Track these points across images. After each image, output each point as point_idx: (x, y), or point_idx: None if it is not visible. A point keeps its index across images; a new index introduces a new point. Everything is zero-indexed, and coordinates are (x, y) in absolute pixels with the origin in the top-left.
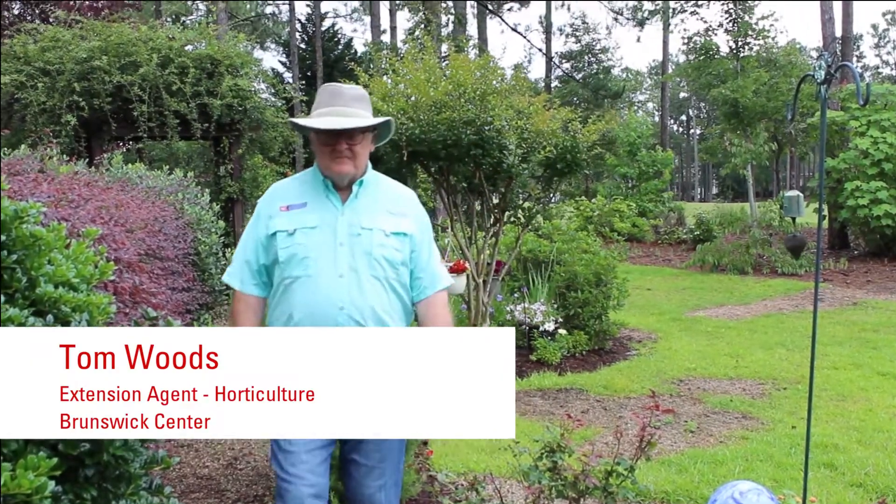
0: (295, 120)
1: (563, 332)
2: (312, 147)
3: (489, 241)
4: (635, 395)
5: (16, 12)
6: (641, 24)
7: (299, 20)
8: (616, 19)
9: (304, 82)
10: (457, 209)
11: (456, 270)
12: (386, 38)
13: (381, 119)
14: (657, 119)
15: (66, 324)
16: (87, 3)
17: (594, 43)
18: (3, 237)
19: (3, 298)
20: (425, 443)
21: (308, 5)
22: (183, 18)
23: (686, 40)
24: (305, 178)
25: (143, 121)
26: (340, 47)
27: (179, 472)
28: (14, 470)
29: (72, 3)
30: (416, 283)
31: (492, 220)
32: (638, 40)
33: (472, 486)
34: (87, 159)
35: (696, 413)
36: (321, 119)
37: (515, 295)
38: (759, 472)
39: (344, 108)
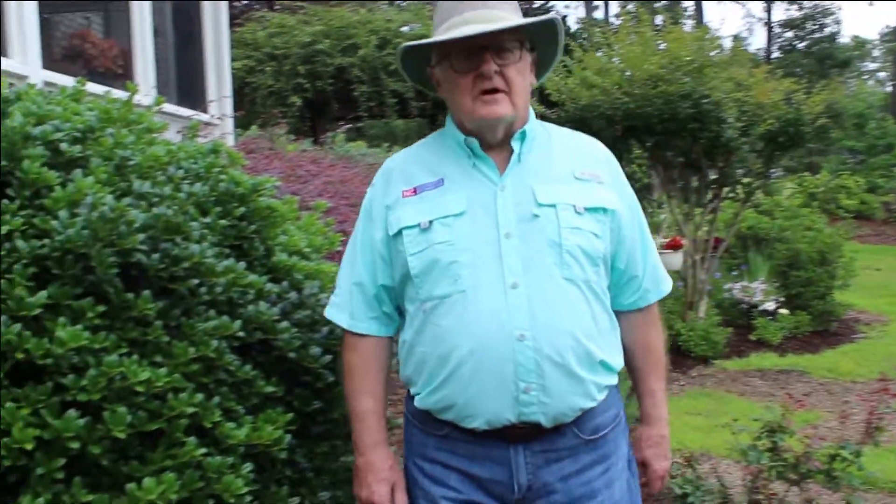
0: (410, 42)
1: (784, 311)
2: (442, 91)
3: (707, 217)
4: (862, 379)
5: (245, 1)
6: None
7: None
8: None
9: None
10: (673, 184)
11: (672, 247)
12: (599, 14)
13: (542, 18)
14: (889, 89)
15: (298, 290)
16: None
17: (818, 9)
18: (244, 209)
19: (243, 265)
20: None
21: None
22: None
23: None
24: (434, 143)
25: (363, 100)
26: None
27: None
28: (256, 423)
29: None
30: (629, 284)
31: (709, 195)
32: (871, 3)
33: (688, 463)
34: (312, 138)
35: None
36: (452, 31)
37: (734, 273)
38: None
39: (484, 11)
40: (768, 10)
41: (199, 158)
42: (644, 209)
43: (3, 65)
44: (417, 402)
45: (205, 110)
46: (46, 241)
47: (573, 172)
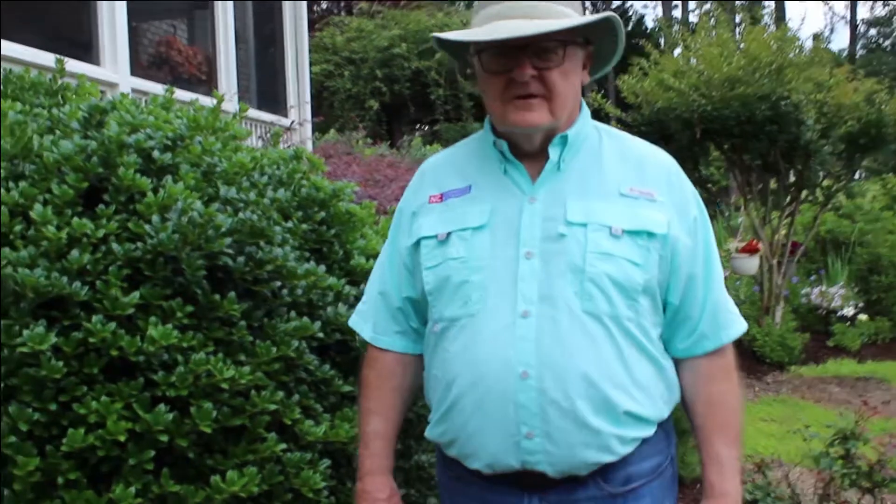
0: (442, 35)
1: (863, 317)
2: (478, 86)
3: (784, 220)
4: None
5: (324, 6)
6: None
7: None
8: None
9: None
10: (750, 187)
11: (749, 250)
12: (677, 13)
13: (591, 18)
14: None
15: None
16: None
17: None
18: (324, 214)
19: (323, 268)
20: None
21: None
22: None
23: None
24: (471, 144)
25: (440, 104)
26: (631, 24)
27: None
28: (333, 420)
29: None
30: (682, 326)
31: (788, 198)
32: None
33: (759, 469)
34: (389, 142)
35: None
36: (487, 26)
37: (812, 277)
38: None
39: (526, 1)
40: (852, 8)
41: (281, 164)
42: (721, 212)
43: (96, 73)
44: (427, 432)
45: (285, 115)
46: (139, 244)
47: (620, 188)
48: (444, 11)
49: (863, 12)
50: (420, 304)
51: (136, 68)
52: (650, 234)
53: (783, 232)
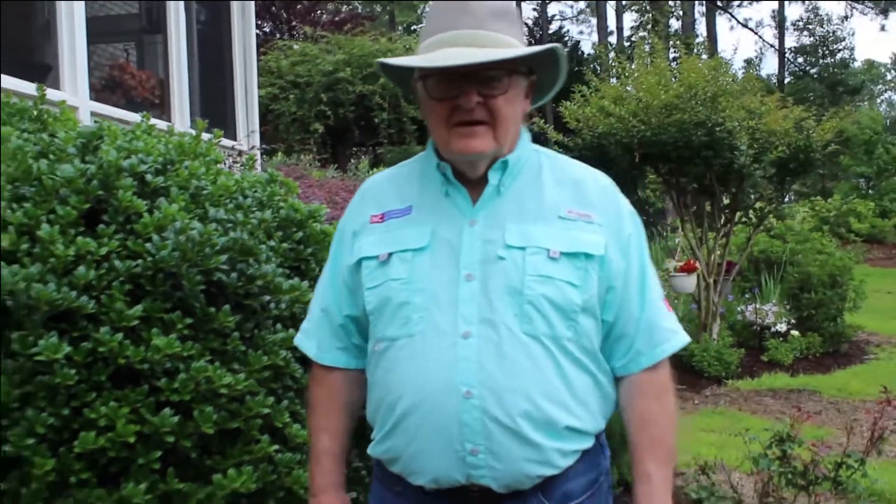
0: (388, 61)
1: (795, 333)
2: (421, 110)
3: (720, 241)
4: (872, 398)
5: (267, 30)
6: (885, 12)
7: (526, 24)
8: (855, 8)
9: None
10: (687, 209)
11: (686, 270)
12: (612, 39)
13: (537, 49)
14: None
15: None
16: (330, 18)
17: (829, 36)
18: (301, 233)
19: (306, 284)
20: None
21: (534, 8)
22: (414, 27)
23: None
24: (414, 165)
25: (384, 127)
26: (567, 49)
27: None
28: None
29: (316, 19)
30: (618, 343)
31: (722, 220)
32: (882, 29)
33: (703, 471)
34: (335, 164)
35: None
36: (433, 53)
37: (746, 295)
38: None
39: (476, 30)
40: (780, 37)
41: (259, 188)
42: (658, 233)
43: (58, 96)
44: (370, 449)
45: (235, 138)
46: (140, 261)
47: (558, 210)
48: (388, 37)
49: (790, 41)
50: (362, 322)
51: (91, 91)
52: (588, 256)
53: (718, 252)
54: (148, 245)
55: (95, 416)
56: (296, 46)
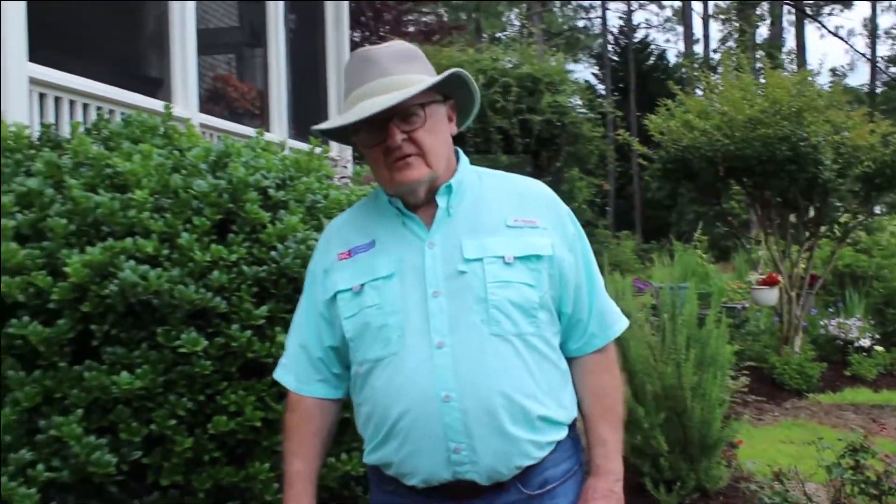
0: (318, 127)
1: (879, 348)
2: (367, 163)
3: (804, 254)
4: None
5: (357, 40)
6: None
7: (611, 32)
8: None
9: (616, 94)
10: (771, 222)
11: (768, 283)
12: (698, 47)
13: (438, 78)
14: None
15: None
16: (419, 28)
17: None
18: None
19: None
20: (733, 445)
21: (620, 17)
22: (499, 35)
23: None
24: (369, 204)
25: (470, 136)
26: (653, 58)
27: None
28: None
29: (405, 29)
30: (575, 329)
31: (807, 233)
32: None
33: (776, 478)
34: None
35: None
36: (351, 110)
37: (830, 309)
38: None
39: (382, 78)
40: (872, 46)
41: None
42: (742, 245)
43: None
44: (364, 458)
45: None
46: (265, 267)
47: (505, 220)
48: (476, 48)
49: (882, 50)
50: (341, 351)
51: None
52: (538, 257)
53: (802, 265)
54: (272, 253)
55: (226, 402)
56: None
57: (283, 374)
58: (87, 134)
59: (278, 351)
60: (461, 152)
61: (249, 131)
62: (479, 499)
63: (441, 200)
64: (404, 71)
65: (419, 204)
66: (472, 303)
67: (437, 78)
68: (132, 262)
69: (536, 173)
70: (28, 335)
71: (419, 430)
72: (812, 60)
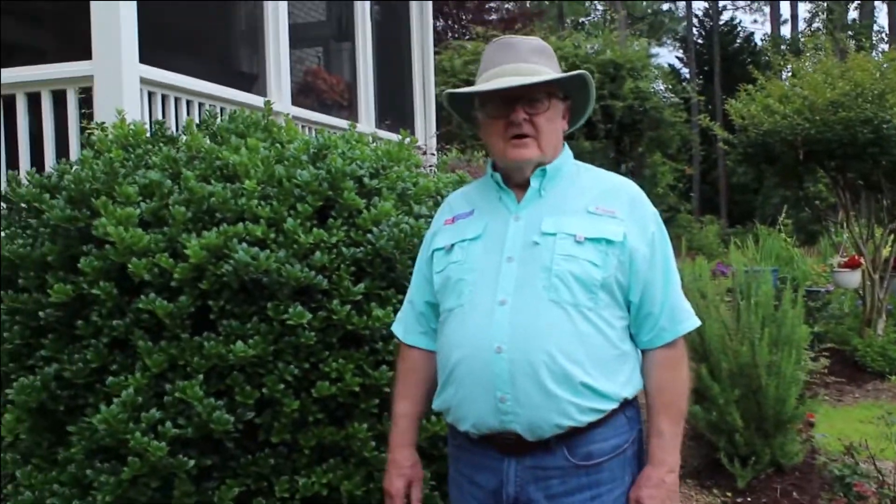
0: (452, 90)
1: None
2: (481, 133)
3: (888, 237)
4: None
5: (439, 30)
6: None
7: (696, 15)
8: None
9: (701, 78)
10: (854, 205)
11: (850, 265)
12: (786, 29)
13: (568, 74)
14: None
15: None
16: (500, 16)
17: None
18: None
19: None
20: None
21: None
22: (581, 20)
23: None
24: (481, 181)
25: None
26: (739, 41)
27: None
28: None
29: (487, 18)
30: (646, 321)
31: (891, 216)
32: None
33: (847, 451)
34: None
35: None
36: (488, 83)
37: None
38: None
39: (518, 64)
40: None
41: (451, 188)
42: (827, 229)
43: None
44: (433, 404)
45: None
46: (361, 248)
47: (587, 207)
48: (557, 35)
49: None
50: (437, 307)
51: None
52: (609, 242)
53: (887, 249)
54: (368, 235)
55: (328, 370)
56: (468, 45)
57: (396, 325)
58: (198, 129)
59: (374, 324)
60: (567, 146)
61: (337, 122)
62: (527, 456)
63: (535, 181)
64: (538, 62)
65: (519, 182)
66: (539, 270)
67: (567, 74)
68: (244, 245)
69: (618, 159)
70: (155, 310)
71: (472, 377)
72: None
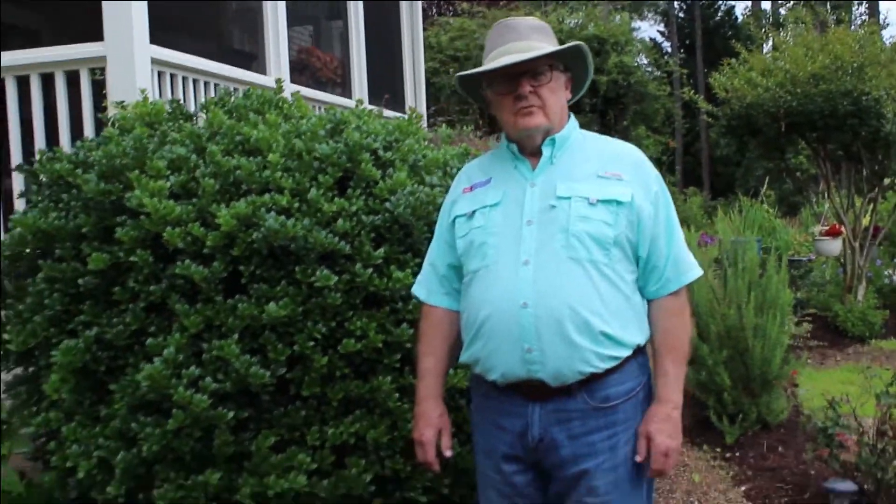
0: (462, 73)
1: None
2: (491, 109)
3: (867, 206)
4: None
5: (425, 6)
6: None
7: None
8: None
9: (682, 52)
10: (834, 176)
11: (830, 234)
12: (766, 3)
13: (566, 46)
14: None
15: None
16: None
17: None
18: None
19: None
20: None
21: None
22: None
23: None
24: (495, 152)
25: None
26: (720, 14)
27: None
28: None
29: None
30: (652, 273)
31: (870, 186)
32: None
33: (830, 405)
34: (495, 135)
35: None
36: (493, 62)
37: (895, 260)
38: None
39: (519, 41)
40: None
41: (457, 160)
42: (808, 199)
43: (264, 81)
44: (460, 358)
45: (405, 113)
46: (380, 216)
47: (597, 172)
48: (542, 11)
49: None
50: (459, 270)
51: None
52: (618, 203)
53: (866, 218)
54: (386, 204)
55: (353, 328)
56: (453, 21)
57: (417, 288)
58: (215, 107)
59: (395, 285)
60: (573, 116)
61: (333, 98)
62: (550, 401)
63: (546, 150)
64: (538, 39)
65: (532, 151)
66: (557, 231)
67: (565, 46)
68: (272, 214)
69: (603, 132)
70: (191, 275)
71: (500, 331)
72: (890, 14)
